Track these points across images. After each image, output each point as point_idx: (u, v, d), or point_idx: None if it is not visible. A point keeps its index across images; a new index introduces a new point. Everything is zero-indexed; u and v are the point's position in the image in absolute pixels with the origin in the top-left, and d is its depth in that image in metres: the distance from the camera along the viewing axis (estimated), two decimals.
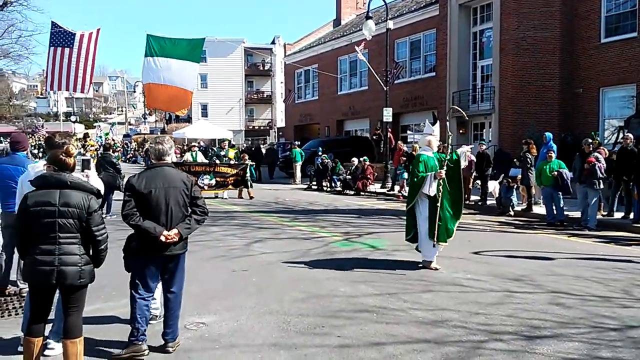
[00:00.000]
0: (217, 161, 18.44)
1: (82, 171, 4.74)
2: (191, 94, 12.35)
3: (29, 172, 4.82)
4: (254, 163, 20.08)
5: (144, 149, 41.59)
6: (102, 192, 4.41)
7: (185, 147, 28.15)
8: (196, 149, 18.56)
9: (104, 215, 12.65)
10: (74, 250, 3.85)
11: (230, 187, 17.34)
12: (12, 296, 6.30)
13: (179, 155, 23.10)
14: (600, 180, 11.10)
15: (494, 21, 21.15)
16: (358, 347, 4.71)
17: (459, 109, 7.93)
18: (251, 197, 17.32)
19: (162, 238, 4.44)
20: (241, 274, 7.36)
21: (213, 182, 16.97)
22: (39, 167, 4.77)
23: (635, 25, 17.76)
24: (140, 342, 4.50)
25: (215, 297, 6.23)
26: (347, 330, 5.14)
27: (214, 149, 21.15)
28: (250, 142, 43.54)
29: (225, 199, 17.28)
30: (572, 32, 19.40)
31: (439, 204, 7.42)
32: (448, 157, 7.60)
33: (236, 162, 18.53)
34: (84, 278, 3.90)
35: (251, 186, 17.86)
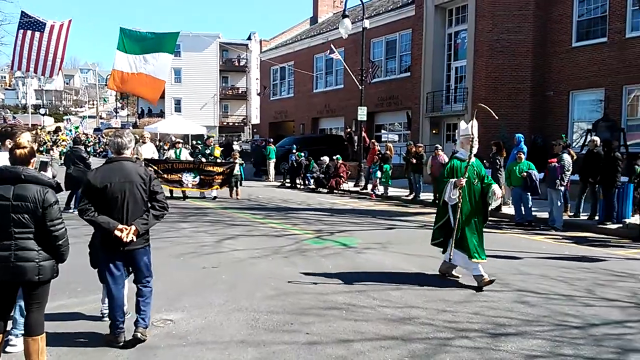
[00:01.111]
0: (203, 159, 17.63)
1: (39, 172, 4.62)
2: (163, 82, 12.21)
3: None
4: (243, 162, 19.29)
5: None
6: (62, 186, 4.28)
7: (168, 144, 27.66)
8: (180, 146, 17.75)
9: (70, 211, 12.42)
10: (30, 245, 3.75)
11: (216, 186, 16.42)
12: None
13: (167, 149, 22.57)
14: (559, 181, 11.35)
15: (468, 23, 21.41)
16: (326, 344, 4.73)
17: (486, 107, 7.21)
18: (237, 198, 16.50)
19: (117, 233, 4.40)
20: (211, 271, 7.31)
21: (197, 180, 16.12)
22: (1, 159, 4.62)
23: (605, 30, 18.18)
24: (118, 334, 4.57)
25: (184, 294, 6.17)
26: (315, 327, 5.14)
27: (199, 147, 20.29)
28: (223, 138, 43.15)
29: (214, 198, 16.34)
30: (545, 36, 19.76)
31: (459, 215, 6.63)
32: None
33: (223, 161, 17.85)
34: (42, 274, 3.78)
35: (240, 184, 17.25)
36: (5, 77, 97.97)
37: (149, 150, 15.78)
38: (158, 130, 32.32)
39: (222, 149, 21.73)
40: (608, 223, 11.26)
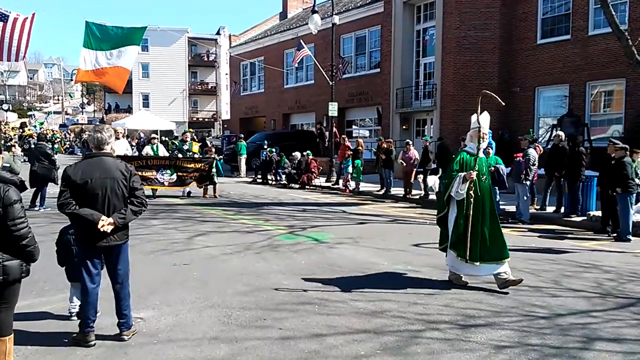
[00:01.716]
0: (180, 155, 16.33)
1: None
2: (128, 71, 12.08)
3: None
4: (221, 157, 18.31)
5: (82, 139, 40.17)
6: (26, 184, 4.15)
7: (136, 140, 27.16)
8: (156, 141, 16.70)
9: (36, 209, 12.13)
10: None
11: (193, 183, 15.56)
12: None
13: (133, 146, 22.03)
14: (524, 175, 11.63)
15: (436, 20, 21.62)
16: (299, 339, 4.74)
17: (493, 94, 6.91)
18: (215, 196, 15.74)
19: (100, 223, 4.33)
20: (182, 268, 7.24)
21: (174, 177, 15.14)
22: None
23: (569, 28, 18.59)
24: (88, 333, 4.50)
25: (155, 291, 6.10)
26: (288, 322, 5.15)
27: (176, 142, 19.18)
28: (194, 134, 42.67)
29: (188, 194, 15.77)
30: (511, 33, 20.11)
31: (470, 212, 6.23)
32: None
33: (201, 157, 16.78)
34: (7, 274, 3.66)
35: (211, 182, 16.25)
36: None
37: (122, 147, 15.16)
38: (126, 126, 31.57)
39: (199, 144, 20.67)
40: (573, 216, 11.56)
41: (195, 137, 25.75)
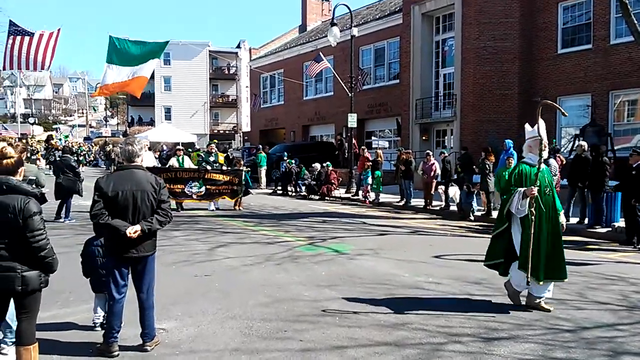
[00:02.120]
0: (208, 167, 15.84)
1: (22, 182, 4.56)
2: (146, 79, 12.34)
3: None
4: (249, 169, 17.96)
5: (105, 152, 40.79)
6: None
7: (158, 152, 27.32)
8: (182, 153, 16.21)
9: (61, 220, 12.34)
10: (10, 256, 3.69)
11: (224, 197, 15.28)
12: None
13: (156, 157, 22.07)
14: None
15: (455, 31, 21.61)
16: (320, 351, 4.73)
17: (554, 104, 6.36)
18: (237, 209, 15.35)
19: (127, 231, 4.41)
20: (204, 279, 7.29)
21: (203, 190, 14.88)
22: None
23: (590, 37, 18.43)
24: (112, 343, 4.56)
25: (177, 302, 6.15)
26: (309, 334, 5.15)
27: (202, 154, 18.68)
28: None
29: (213, 210, 15.22)
30: (531, 43, 19.99)
31: (531, 231, 5.75)
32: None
33: (229, 169, 16.55)
34: (26, 284, 3.72)
35: (246, 193, 16.06)
36: None
37: (149, 159, 14.93)
38: (148, 139, 32.15)
39: (225, 154, 20.54)
40: (597, 227, 11.38)
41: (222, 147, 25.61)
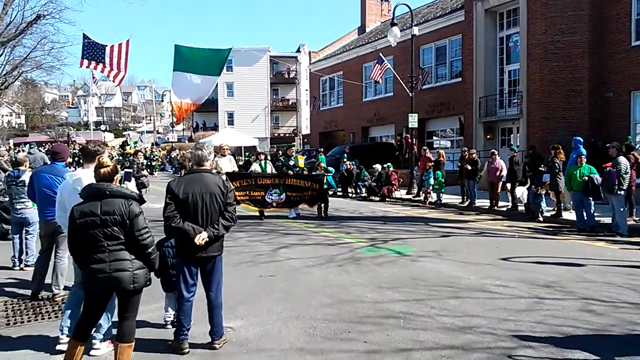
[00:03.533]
0: (290, 172, 14.44)
1: (122, 183, 4.85)
2: (197, 106, 12.74)
3: (67, 181, 4.95)
4: (331, 172, 16.96)
5: (171, 157, 42.25)
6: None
7: (251, 156, 26.62)
8: (264, 157, 15.12)
9: None
10: (123, 255, 3.97)
11: (305, 204, 14.28)
12: (45, 300, 6.47)
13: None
14: (617, 186, 10.84)
15: (520, 26, 20.92)
16: (385, 353, 4.70)
17: None
18: (322, 215, 14.35)
19: (195, 240, 4.59)
20: (268, 280, 7.42)
21: (283, 197, 13.91)
22: (77, 176, 4.88)
23: None
24: (182, 341, 4.74)
25: (242, 302, 6.28)
26: (373, 336, 5.13)
27: (282, 158, 17.30)
28: (276, 149, 43.70)
29: (294, 217, 14.21)
30: (602, 36, 19.05)
31: None
32: None
33: (311, 174, 15.35)
34: (137, 282, 4.01)
35: (325, 200, 14.70)
36: (68, 96, 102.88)
37: (228, 164, 14.08)
38: (212, 143, 33.08)
39: (304, 157, 19.35)
40: None
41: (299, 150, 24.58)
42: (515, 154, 15.45)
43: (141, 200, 4.20)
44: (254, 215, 14.32)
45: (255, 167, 14.71)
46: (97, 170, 4.12)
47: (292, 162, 15.02)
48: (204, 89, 12.34)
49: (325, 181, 14.78)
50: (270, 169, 14.76)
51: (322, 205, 14.48)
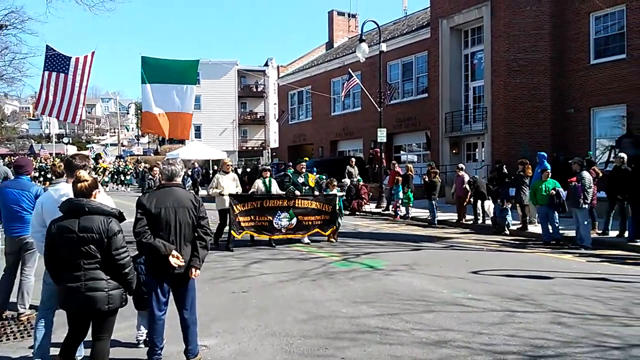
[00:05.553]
0: (297, 192, 12.27)
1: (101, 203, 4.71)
2: (190, 116, 12.12)
3: (50, 194, 4.70)
4: (343, 194, 15.15)
5: (137, 171, 41.47)
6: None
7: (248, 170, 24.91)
8: (268, 174, 12.34)
9: None
10: (99, 275, 3.86)
11: (316, 229, 12.25)
12: (10, 320, 6.24)
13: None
14: (582, 200, 11.22)
15: (484, 44, 21.48)
16: None
17: None
18: (331, 240, 12.42)
19: (171, 259, 4.51)
20: (241, 295, 7.33)
21: (294, 222, 11.93)
22: (63, 191, 4.62)
23: (623, 47, 18.09)
24: None
25: (216, 319, 6.19)
26: (350, 351, 5.12)
27: (290, 174, 15.26)
28: (244, 163, 43.48)
29: (308, 243, 12.20)
30: (562, 54, 19.72)
31: None
32: None
33: (323, 194, 13.31)
34: (112, 303, 3.90)
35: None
36: (29, 108, 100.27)
37: (232, 184, 11.90)
38: (180, 157, 32.68)
39: (316, 176, 16.79)
40: (638, 240, 11.05)
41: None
42: (474, 178, 15.37)
43: (121, 218, 4.09)
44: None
45: (258, 184, 12.26)
46: (75, 185, 4.02)
47: (301, 180, 12.84)
48: (189, 97, 11.97)
49: (337, 201, 12.90)
50: (275, 188, 12.45)
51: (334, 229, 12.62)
